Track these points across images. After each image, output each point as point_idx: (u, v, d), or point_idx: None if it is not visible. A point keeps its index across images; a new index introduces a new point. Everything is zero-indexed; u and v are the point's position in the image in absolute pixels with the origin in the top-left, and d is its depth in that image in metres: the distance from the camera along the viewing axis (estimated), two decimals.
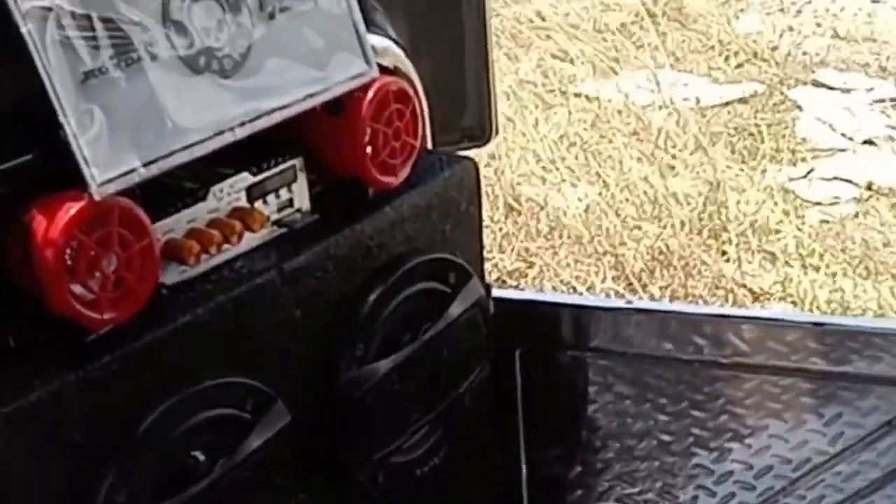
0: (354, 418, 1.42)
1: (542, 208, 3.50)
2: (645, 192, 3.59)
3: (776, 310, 3.04)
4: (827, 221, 3.64)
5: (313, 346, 1.37)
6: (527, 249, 3.28)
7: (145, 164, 1.17)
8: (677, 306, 2.00)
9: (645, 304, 1.75)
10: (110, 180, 1.14)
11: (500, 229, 3.38)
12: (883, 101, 4.46)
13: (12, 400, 1.11)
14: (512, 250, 3.23)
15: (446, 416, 1.57)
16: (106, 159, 1.14)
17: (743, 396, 1.84)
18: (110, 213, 1.15)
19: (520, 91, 4.20)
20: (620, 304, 1.77)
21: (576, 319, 1.76)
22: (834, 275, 3.29)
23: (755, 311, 2.07)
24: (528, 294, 2.30)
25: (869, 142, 4.15)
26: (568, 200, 3.55)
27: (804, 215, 3.66)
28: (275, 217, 1.36)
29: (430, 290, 1.50)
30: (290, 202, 1.37)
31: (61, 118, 1.11)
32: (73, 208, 1.12)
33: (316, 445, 1.40)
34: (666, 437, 1.88)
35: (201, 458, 1.27)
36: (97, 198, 1.13)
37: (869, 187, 3.83)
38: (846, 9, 5.23)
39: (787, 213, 3.60)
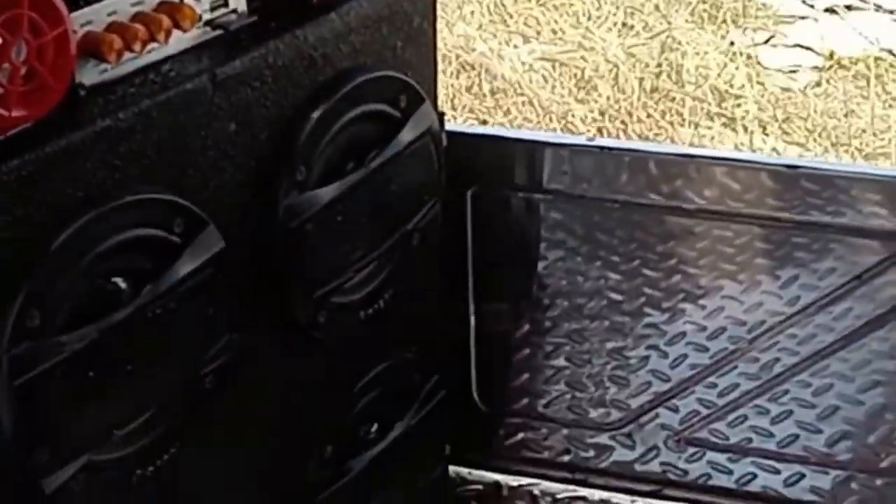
0: (294, 250, 1.30)
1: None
2: (602, 50, 3.46)
3: (742, 152, 2.95)
4: (788, 89, 3.54)
5: (249, 166, 1.24)
6: (476, 107, 3.15)
7: None
8: (639, 145, 1.88)
9: (607, 141, 1.63)
10: None
11: (451, 85, 3.25)
12: None
13: None
14: (463, 108, 3.09)
15: (392, 255, 1.45)
16: None
17: (697, 256, 1.76)
18: None
19: None
20: (581, 140, 1.66)
21: (532, 157, 1.65)
22: (796, 143, 3.20)
23: (715, 151, 1.96)
24: (484, 129, 2.17)
25: (830, 10, 4.04)
26: (521, 58, 3.42)
27: (764, 82, 3.56)
28: (207, 16, 1.22)
29: (379, 113, 1.37)
30: (226, 1, 1.23)
31: None
32: None
33: (251, 278, 1.27)
34: (617, 297, 1.79)
35: (123, 284, 1.14)
36: None
37: (830, 56, 3.73)
38: None
39: (748, 79, 3.49)
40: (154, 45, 1.16)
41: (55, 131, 1.07)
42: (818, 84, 3.57)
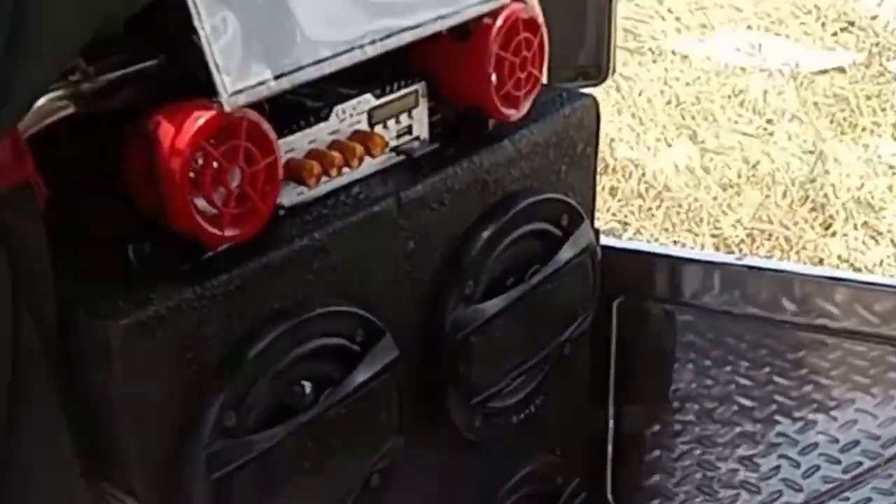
0: (457, 359, 1.38)
1: (636, 166, 3.44)
2: (744, 158, 3.51)
3: (871, 275, 2.96)
4: None
5: (423, 280, 1.34)
6: (620, 210, 3.22)
7: (276, 77, 1.13)
8: (774, 263, 1.94)
9: (747, 260, 1.69)
10: (241, 91, 1.10)
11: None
12: None
13: (131, 313, 1.08)
14: (607, 210, 3.17)
15: (547, 364, 1.53)
16: (238, 69, 1.10)
17: (829, 367, 1.80)
18: (238, 125, 1.11)
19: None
20: (723, 258, 1.72)
21: (676, 272, 1.72)
22: None
23: (849, 273, 2.01)
24: (632, 243, 2.25)
25: None
26: (664, 162, 3.48)
27: None
28: (393, 143, 1.32)
29: (542, 231, 1.46)
30: (410, 129, 1.33)
31: (196, 22, 1.07)
32: (202, 118, 1.09)
33: (418, 384, 1.36)
34: (748, 402, 1.84)
35: (308, 388, 1.24)
36: (227, 108, 1.09)
37: None
38: None
39: (890, 189, 3.50)
40: (346, 169, 1.26)
41: (258, 249, 1.17)
42: None
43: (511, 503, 1.57)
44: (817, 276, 1.75)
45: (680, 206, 3.34)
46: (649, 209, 3.32)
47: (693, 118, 3.76)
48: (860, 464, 1.81)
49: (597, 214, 1.55)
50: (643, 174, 3.45)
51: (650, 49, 4.26)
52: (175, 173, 1.08)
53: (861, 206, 3.46)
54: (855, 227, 3.37)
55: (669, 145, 3.62)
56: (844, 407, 1.81)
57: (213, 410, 1.14)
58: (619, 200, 3.35)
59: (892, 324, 1.73)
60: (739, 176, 3.50)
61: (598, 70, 1.62)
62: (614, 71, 1.64)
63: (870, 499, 1.80)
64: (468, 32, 1.32)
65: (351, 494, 1.30)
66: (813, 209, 3.43)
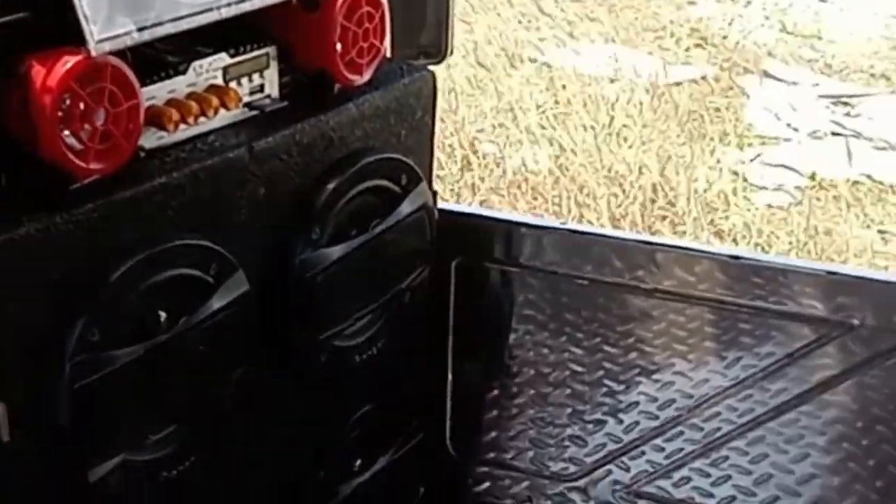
0: (305, 297, 1.54)
1: (498, 165, 3.63)
2: (600, 160, 3.72)
3: (688, 241, 3.20)
4: (772, 206, 3.80)
5: (274, 224, 1.49)
6: (483, 202, 3.41)
7: (139, 29, 1.27)
8: (604, 230, 2.13)
9: (576, 226, 1.88)
10: (106, 39, 1.25)
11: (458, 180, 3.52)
12: (828, 97, 4.64)
13: (4, 232, 1.21)
14: (469, 205, 3.35)
15: (387, 310, 1.69)
16: (104, 19, 1.24)
17: (653, 336, 1.98)
18: (104, 69, 1.25)
19: (476, 53, 4.32)
20: (555, 223, 1.91)
21: (511, 236, 1.89)
22: (780, 255, 3.45)
23: (673, 239, 2.21)
24: (470, 208, 2.43)
25: (813, 134, 4.32)
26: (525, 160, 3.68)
27: (750, 198, 3.82)
28: (247, 99, 1.47)
29: (383, 188, 1.62)
30: (262, 87, 1.48)
31: None
32: (70, 61, 1.23)
33: (267, 319, 1.51)
34: (579, 368, 2.02)
35: (164, 315, 1.38)
36: (93, 54, 1.24)
37: (812, 178, 4.00)
38: (794, 5, 5.41)
39: (734, 193, 3.75)
40: (203, 119, 1.41)
41: (121, 184, 1.32)
42: (800, 202, 3.83)
43: (353, 437, 1.72)
44: (640, 241, 1.94)
45: (537, 200, 3.54)
46: (511, 205, 3.52)
47: (552, 121, 3.97)
48: (674, 418, 2.00)
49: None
50: (504, 171, 3.65)
51: (517, 56, 4.48)
52: (46, 109, 1.22)
53: (707, 208, 3.70)
54: (701, 228, 3.61)
55: (531, 145, 3.82)
56: (664, 370, 2.01)
57: (78, 326, 1.28)
58: (482, 195, 3.54)
59: (706, 284, 1.92)
60: (596, 176, 3.71)
61: (438, 50, 1.79)
62: (452, 52, 1.82)
63: (682, 448, 2.00)
64: (317, 3, 1.48)
65: (203, 414, 1.44)
66: (663, 208, 3.66)
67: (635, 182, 3.67)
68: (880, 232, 3.69)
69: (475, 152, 3.72)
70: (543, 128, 3.91)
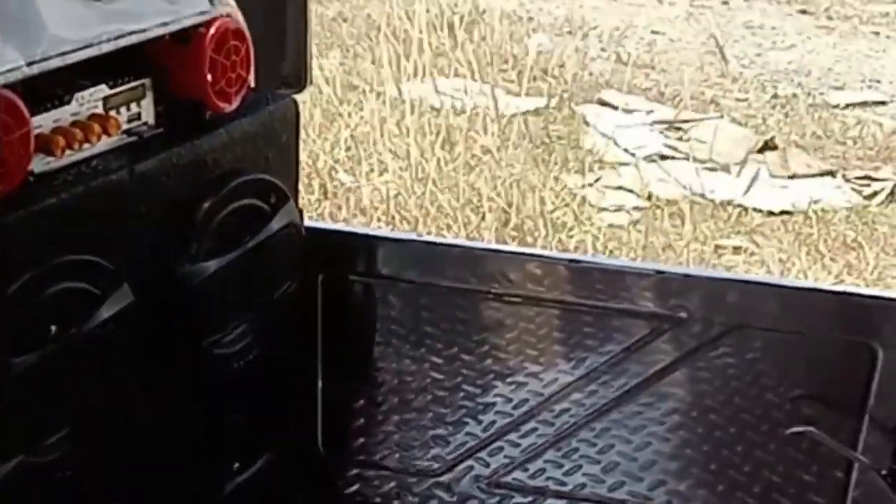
0: (186, 307, 1.67)
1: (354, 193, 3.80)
2: (452, 187, 3.91)
3: (536, 248, 3.41)
4: (612, 225, 4.03)
5: (156, 240, 1.62)
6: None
7: (28, 64, 1.40)
8: (458, 241, 2.31)
9: (429, 238, 2.05)
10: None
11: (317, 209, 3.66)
12: (661, 122, 4.92)
13: None
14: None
15: (261, 319, 1.83)
16: None
17: (506, 343, 2.15)
18: None
19: (327, 86, 4.49)
20: (412, 236, 2.07)
21: (372, 250, 2.04)
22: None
23: (521, 247, 2.40)
24: (334, 225, 2.58)
25: (649, 158, 4.59)
26: (380, 189, 3.85)
27: (592, 218, 4.05)
28: (125, 126, 1.60)
29: (254, 206, 1.76)
30: (139, 115, 1.62)
31: None
32: None
33: (152, 328, 1.64)
34: (439, 376, 2.18)
35: (55, 326, 1.50)
36: None
37: (648, 198, 4.25)
38: (628, 37, 5.71)
39: (578, 216, 3.98)
40: (87, 145, 1.54)
41: (14, 206, 1.43)
42: (639, 221, 4.07)
43: (231, 440, 1.85)
44: (490, 250, 2.11)
45: (398, 225, 3.71)
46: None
47: (405, 152, 4.15)
48: (527, 413, 2.17)
49: None
50: (360, 199, 3.81)
51: (365, 90, 4.65)
52: None
53: (554, 227, 3.92)
54: (549, 247, 3.82)
55: (381, 174, 4.00)
56: (517, 372, 2.18)
57: None
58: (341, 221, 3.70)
59: (551, 289, 2.10)
60: (450, 202, 3.90)
61: (299, 80, 1.94)
62: (311, 82, 1.97)
63: (535, 442, 2.17)
64: (188, 37, 1.62)
65: (91, 421, 1.56)
66: (515, 228, 3.87)
67: (486, 206, 3.87)
68: (715, 247, 3.95)
69: (332, 180, 3.87)
70: (398, 157, 4.09)
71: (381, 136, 4.23)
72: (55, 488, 1.52)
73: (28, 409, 1.47)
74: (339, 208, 3.81)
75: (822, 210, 4.19)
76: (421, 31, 5.08)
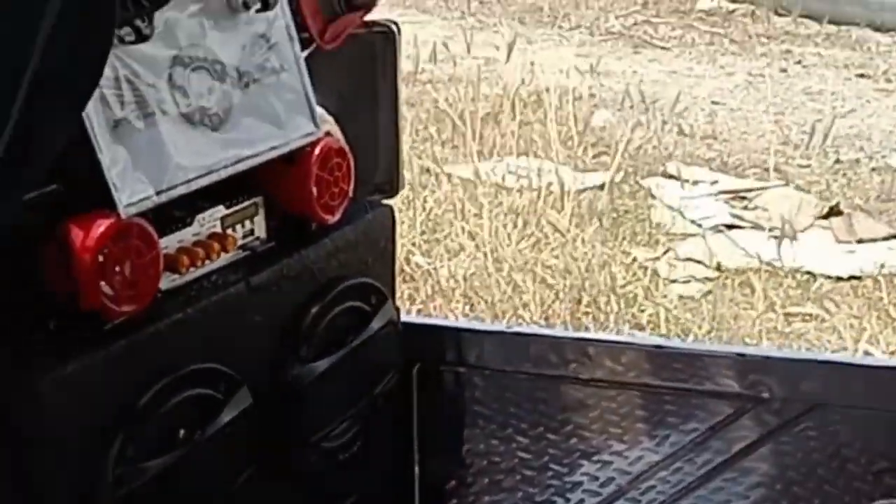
0: (298, 406, 1.79)
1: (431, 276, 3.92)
2: (525, 264, 4.03)
3: (614, 335, 3.50)
4: (682, 296, 4.12)
5: (270, 345, 1.75)
6: (420, 311, 3.69)
7: (157, 193, 1.54)
8: (539, 330, 2.42)
9: (516, 328, 2.16)
10: (132, 203, 1.51)
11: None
12: (725, 192, 5.01)
13: (54, 370, 1.46)
14: (407, 313, 3.62)
15: (364, 413, 1.95)
16: (129, 188, 1.51)
17: (589, 422, 2.25)
18: (131, 229, 1.52)
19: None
20: (498, 327, 2.19)
21: (460, 341, 2.16)
22: (696, 340, 3.77)
23: (602, 334, 2.51)
24: (427, 320, 2.70)
25: (715, 228, 4.68)
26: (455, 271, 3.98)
27: (664, 292, 4.14)
28: (241, 242, 1.73)
29: (357, 308, 1.89)
30: (252, 231, 1.75)
31: (98, 154, 1.48)
32: (104, 224, 1.49)
33: (266, 427, 1.76)
34: (527, 456, 2.28)
35: (182, 430, 1.63)
36: (123, 217, 1.50)
37: (718, 268, 4.34)
38: (689, 108, 5.82)
39: (648, 289, 4.07)
40: (207, 261, 1.67)
41: (146, 322, 1.57)
42: (710, 292, 4.16)
43: None
44: (572, 338, 2.22)
45: (475, 306, 3.83)
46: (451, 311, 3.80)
47: (478, 231, 4.28)
48: (615, 492, 2.27)
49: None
50: (437, 281, 3.94)
51: (437, 173, 4.80)
52: (86, 264, 1.48)
53: (626, 302, 4.02)
54: (623, 321, 3.92)
55: (456, 255, 4.12)
56: (602, 451, 2.28)
57: (117, 443, 1.52)
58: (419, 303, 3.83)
59: (634, 372, 2.20)
60: (524, 281, 4.02)
61: (392, 186, 2.07)
62: (403, 187, 2.11)
63: None
64: (295, 158, 1.76)
65: None
66: (588, 304, 3.97)
67: (560, 284, 3.98)
68: (786, 315, 4.02)
69: (409, 263, 4.01)
70: (471, 237, 4.22)
71: (455, 217, 4.36)
72: None
73: None
74: (417, 290, 3.94)
75: (891, 273, 4.25)
76: (488, 113, 5.25)
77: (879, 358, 3.21)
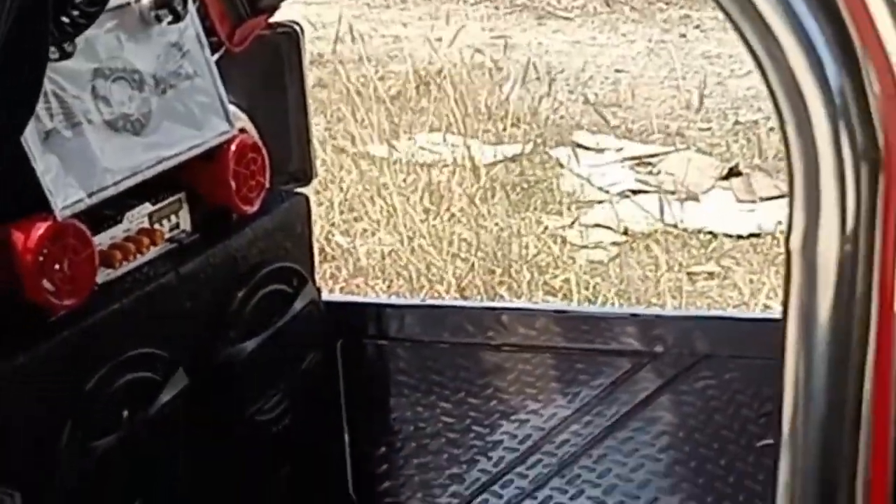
0: (230, 384, 1.94)
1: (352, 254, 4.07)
2: (439, 238, 4.19)
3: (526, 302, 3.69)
4: (592, 261, 4.31)
5: (201, 328, 1.90)
6: (343, 289, 3.83)
7: (89, 195, 1.68)
8: (454, 302, 2.58)
9: (432, 301, 2.32)
10: (66, 206, 1.64)
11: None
12: (631, 158, 5.21)
13: (5, 361, 1.60)
14: (329, 291, 3.77)
15: (293, 388, 2.10)
16: (63, 192, 1.64)
17: (506, 385, 2.42)
18: (67, 229, 1.65)
19: (320, 152, 4.76)
20: (415, 301, 2.35)
21: (380, 316, 2.32)
22: (606, 303, 3.96)
23: (513, 302, 2.68)
24: (347, 297, 2.85)
25: (622, 194, 4.87)
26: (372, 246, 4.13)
27: (574, 257, 4.32)
28: (168, 235, 1.88)
29: (279, 291, 2.04)
30: (178, 225, 1.89)
31: (33, 163, 1.61)
32: (42, 227, 1.63)
33: (204, 405, 1.90)
34: (450, 420, 2.44)
35: (126, 412, 1.77)
36: (59, 219, 1.63)
37: (625, 233, 4.53)
38: (594, 77, 6.01)
39: (559, 257, 4.25)
40: (139, 255, 1.81)
41: (85, 314, 1.71)
42: (617, 256, 4.35)
43: (275, 497, 2.12)
44: (485, 308, 2.39)
45: (394, 281, 3.99)
46: (371, 287, 3.95)
47: (394, 209, 4.43)
48: (531, 446, 2.44)
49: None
50: (357, 259, 4.09)
51: (352, 152, 4.94)
52: (29, 264, 1.61)
53: (539, 270, 4.20)
54: (535, 286, 4.10)
55: (374, 234, 4.28)
56: (519, 411, 2.45)
57: (65, 431, 1.66)
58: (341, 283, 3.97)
59: (544, 335, 2.37)
60: (441, 255, 4.18)
61: (305, 175, 2.22)
62: (316, 175, 2.25)
63: (541, 472, 2.43)
64: (212, 155, 1.90)
65: (162, 492, 1.83)
66: (502, 274, 4.14)
67: (474, 256, 4.15)
68: (689, 275, 4.23)
69: (329, 243, 4.15)
70: (389, 214, 4.37)
71: (372, 195, 4.51)
72: None
73: (107, 485, 1.74)
74: (339, 269, 4.08)
75: None
76: (399, 92, 5.39)
77: (758, 312, 3.43)
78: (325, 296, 2.20)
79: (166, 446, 1.82)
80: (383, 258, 4.07)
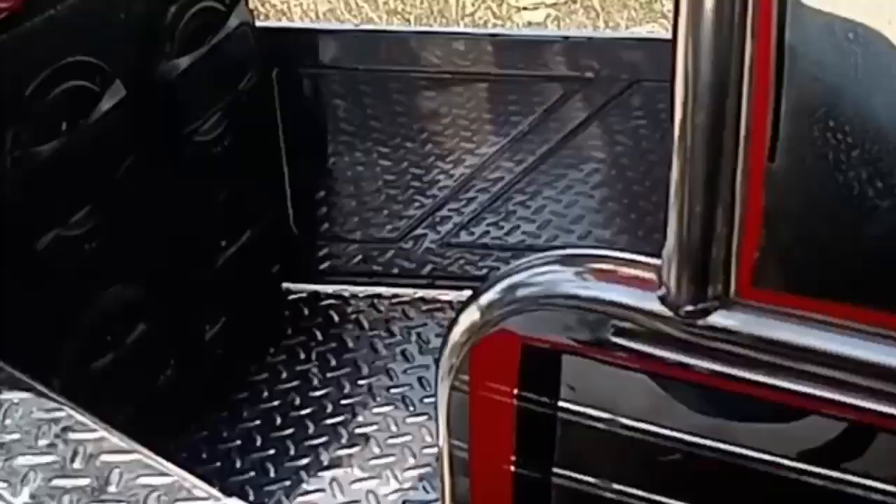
0: (168, 100, 1.97)
1: None
2: None
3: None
4: (531, 23, 4.26)
5: (137, 42, 1.92)
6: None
7: None
8: (391, 27, 2.59)
9: (365, 26, 2.33)
10: None
11: None
12: None
13: None
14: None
15: (230, 109, 2.12)
16: None
17: (440, 117, 2.42)
18: None
19: None
20: (349, 26, 2.36)
21: (316, 43, 2.33)
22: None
23: (446, 28, 2.66)
24: (282, 24, 2.86)
25: None
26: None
27: (513, 17, 4.26)
28: None
29: (211, 8, 2.04)
30: None
31: None
32: None
33: (143, 120, 1.93)
34: (386, 149, 2.47)
35: (66, 122, 1.80)
36: None
37: None
38: None
39: (499, 16, 4.21)
40: None
41: (23, 17, 1.72)
42: (557, 18, 4.29)
43: (216, 219, 2.16)
44: (417, 32, 2.39)
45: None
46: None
47: None
48: (469, 178, 2.49)
49: None
50: None
51: None
52: None
53: (476, 27, 4.14)
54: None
55: None
56: (454, 149, 2.48)
57: (10, 130, 1.69)
58: None
59: (477, 63, 2.39)
60: (376, 9, 4.13)
61: None
62: None
63: (475, 197, 2.48)
64: None
65: (105, 199, 1.87)
66: None
67: (413, 11, 4.08)
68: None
69: None
70: None
71: None
72: (85, 258, 1.84)
73: (55, 190, 1.78)
74: None
75: None
76: None
77: None
78: (262, 21, 2.21)
79: (108, 156, 1.86)
80: (318, 17, 4.03)
